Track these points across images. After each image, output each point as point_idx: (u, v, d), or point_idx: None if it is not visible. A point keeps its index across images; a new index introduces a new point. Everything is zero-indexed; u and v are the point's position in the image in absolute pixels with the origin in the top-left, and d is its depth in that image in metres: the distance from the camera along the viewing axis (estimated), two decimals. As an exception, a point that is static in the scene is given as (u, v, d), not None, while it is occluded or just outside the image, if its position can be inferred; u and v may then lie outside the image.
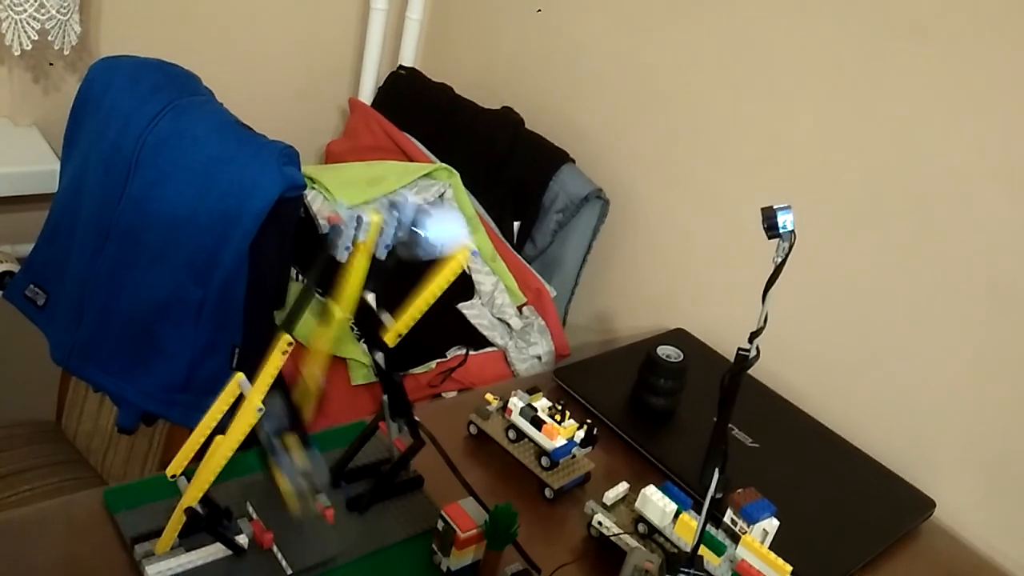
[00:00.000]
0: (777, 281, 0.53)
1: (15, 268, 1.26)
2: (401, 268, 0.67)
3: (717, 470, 0.58)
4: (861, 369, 1.06)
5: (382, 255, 0.65)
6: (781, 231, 0.50)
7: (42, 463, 1.18)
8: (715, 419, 0.60)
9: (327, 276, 0.66)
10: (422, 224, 0.63)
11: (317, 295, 0.66)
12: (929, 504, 0.96)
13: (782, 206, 0.50)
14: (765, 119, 1.13)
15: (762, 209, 0.51)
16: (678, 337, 1.19)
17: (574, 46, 1.37)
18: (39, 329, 1.14)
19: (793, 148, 1.10)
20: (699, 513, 0.70)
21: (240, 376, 0.63)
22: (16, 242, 1.35)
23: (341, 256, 0.64)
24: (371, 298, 0.70)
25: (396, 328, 0.69)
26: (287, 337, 0.61)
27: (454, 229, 0.64)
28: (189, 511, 0.64)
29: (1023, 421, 0.93)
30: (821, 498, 0.93)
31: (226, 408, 0.64)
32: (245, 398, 0.62)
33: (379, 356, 0.72)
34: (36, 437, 1.23)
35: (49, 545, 0.68)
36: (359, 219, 0.64)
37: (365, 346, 1.05)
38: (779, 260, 0.51)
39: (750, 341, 0.55)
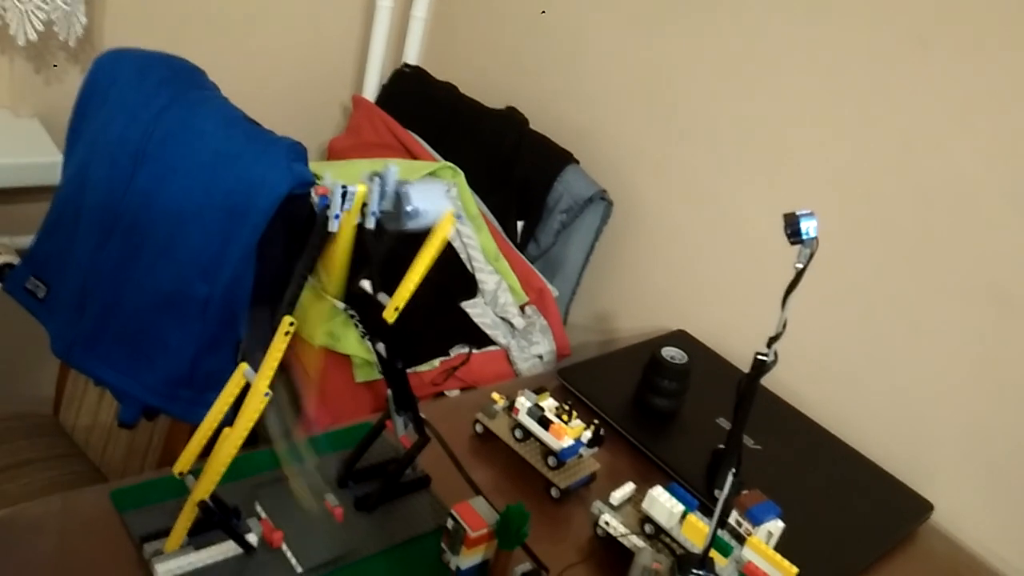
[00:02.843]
0: (796, 288, 0.53)
1: (15, 260, 1.25)
2: (392, 253, 0.68)
3: (731, 473, 0.59)
4: (861, 373, 1.07)
5: (371, 224, 0.67)
6: (804, 237, 0.51)
7: (40, 456, 1.17)
8: (727, 420, 0.61)
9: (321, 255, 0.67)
10: (405, 195, 0.65)
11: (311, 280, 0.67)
12: (927, 507, 0.97)
13: (805, 212, 0.51)
14: (770, 123, 1.13)
15: (784, 215, 0.51)
16: (680, 338, 1.20)
17: (580, 46, 1.37)
18: (39, 322, 1.13)
19: (797, 153, 1.11)
20: (705, 514, 0.71)
21: (245, 365, 0.63)
22: (15, 234, 1.34)
23: (332, 226, 0.65)
24: (366, 284, 0.70)
25: (393, 302, 0.69)
26: (288, 319, 0.61)
27: (436, 196, 0.66)
28: (202, 504, 0.64)
29: (1021, 426, 0.94)
30: (821, 500, 0.94)
31: (232, 399, 0.64)
32: (251, 386, 0.62)
33: (380, 346, 0.72)
34: (34, 430, 1.22)
35: (55, 541, 0.67)
36: (345, 189, 0.65)
37: (368, 342, 1.05)
38: (801, 266, 0.51)
39: (768, 346, 0.55)
